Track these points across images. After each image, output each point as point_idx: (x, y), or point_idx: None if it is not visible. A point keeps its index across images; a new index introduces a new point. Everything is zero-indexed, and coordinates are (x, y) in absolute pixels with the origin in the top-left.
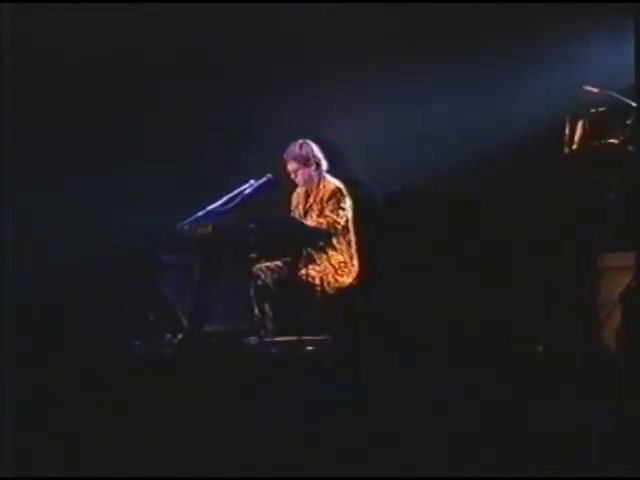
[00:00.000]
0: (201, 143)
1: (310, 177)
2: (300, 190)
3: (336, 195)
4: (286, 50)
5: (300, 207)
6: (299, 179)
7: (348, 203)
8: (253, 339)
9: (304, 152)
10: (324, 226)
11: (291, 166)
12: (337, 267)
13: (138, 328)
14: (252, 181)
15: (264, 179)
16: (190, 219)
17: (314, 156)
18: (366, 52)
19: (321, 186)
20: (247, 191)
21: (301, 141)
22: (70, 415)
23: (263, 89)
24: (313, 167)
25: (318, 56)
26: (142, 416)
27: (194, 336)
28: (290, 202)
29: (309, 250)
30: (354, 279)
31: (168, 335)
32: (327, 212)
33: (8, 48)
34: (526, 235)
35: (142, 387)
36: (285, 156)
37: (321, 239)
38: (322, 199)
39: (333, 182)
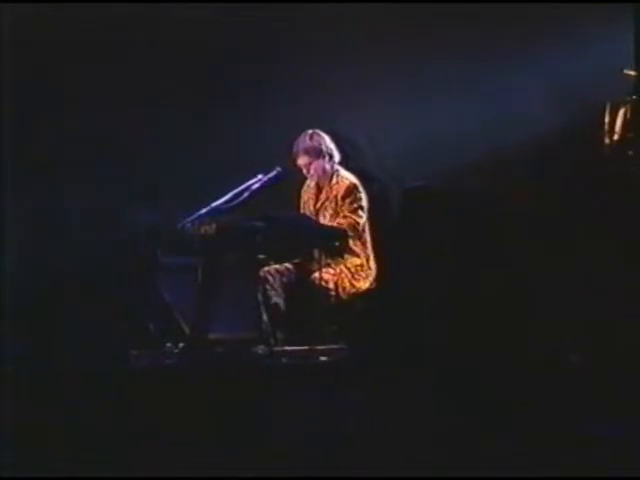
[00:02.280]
0: (203, 137)
1: (324, 171)
2: (311, 183)
3: (352, 192)
4: (288, 46)
5: (311, 203)
6: (312, 173)
7: (365, 200)
8: (261, 348)
9: (315, 143)
10: (344, 227)
11: (302, 160)
12: (354, 271)
13: (136, 336)
14: (260, 175)
15: (273, 172)
16: (192, 217)
17: (326, 147)
18: (375, 47)
19: (334, 181)
20: (255, 186)
21: (311, 131)
22: (65, 426)
23: (267, 83)
24: (326, 159)
25: (322, 50)
26: (140, 431)
27: (197, 345)
28: (299, 196)
29: (322, 252)
30: (371, 283)
31: (169, 344)
32: (346, 212)
33: (8, 48)
34: (558, 235)
35: (140, 401)
36: (295, 149)
37: (337, 240)
38: (336, 197)
39: (347, 177)
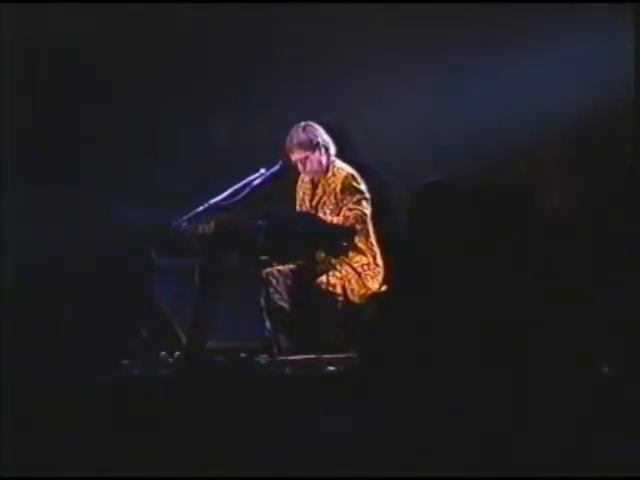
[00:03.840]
0: (202, 130)
1: (320, 164)
2: (305, 178)
3: (351, 183)
4: (288, 41)
5: (307, 199)
6: (309, 168)
7: (367, 191)
8: (264, 357)
9: (310, 135)
10: (352, 220)
11: (297, 155)
12: (361, 271)
13: (128, 344)
14: (262, 170)
15: (276, 167)
16: (189, 215)
17: (322, 139)
18: (387, 36)
19: (330, 174)
20: (257, 181)
21: (304, 124)
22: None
23: (268, 77)
24: (322, 151)
25: (323, 44)
26: (135, 448)
27: (194, 354)
28: (295, 192)
29: (327, 252)
30: (381, 283)
31: (163, 353)
32: (350, 205)
33: (8, 48)
34: (587, 236)
35: (133, 414)
36: (288, 144)
37: (345, 238)
38: (335, 190)
39: (344, 168)
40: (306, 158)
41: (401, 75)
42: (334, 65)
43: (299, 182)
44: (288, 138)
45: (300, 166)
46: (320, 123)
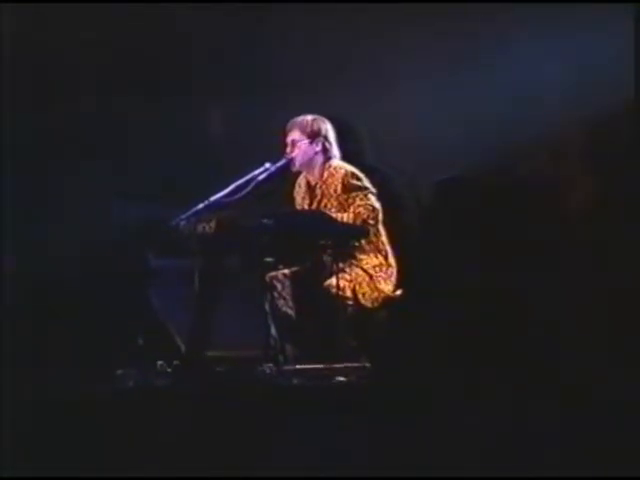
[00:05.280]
0: (202, 124)
1: (309, 159)
2: (301, 182)
3: (351, 181)
4: (288, 34)
5: (305, 205)
6: (295, 153)
7: (371, 185)
8: (269, 367)
9: (315, 126)
10: (364, 216)
11: (292, 136)
12: (372, 273)
13: (122, 353)
14: (267, 164)
15: (282, 161)
16: (189, 213)
17: (325, 136)
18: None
19: (326, 175)
20: (261, 176)
21: (316, 116)
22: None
23: (269, 70)
24: (318, 147)
25: (323, 38)
26: (130, 464)
27: (193, 363)
28: (292, 198)
29: (335, 254)
30: (395, 285)
31: (160, 362)
32: (358, 201)
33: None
34: (611, 238)
35: (127, 428)
36: (289, 125)
37: (357, 237)
38: (335, 191)
39: (342, 166)
40: (299, 142)
41: (401, 75)
42: (334, 64)
43: (295, 188)
44: (292, 120)
45: (289, 148)
46: (331, 120)
